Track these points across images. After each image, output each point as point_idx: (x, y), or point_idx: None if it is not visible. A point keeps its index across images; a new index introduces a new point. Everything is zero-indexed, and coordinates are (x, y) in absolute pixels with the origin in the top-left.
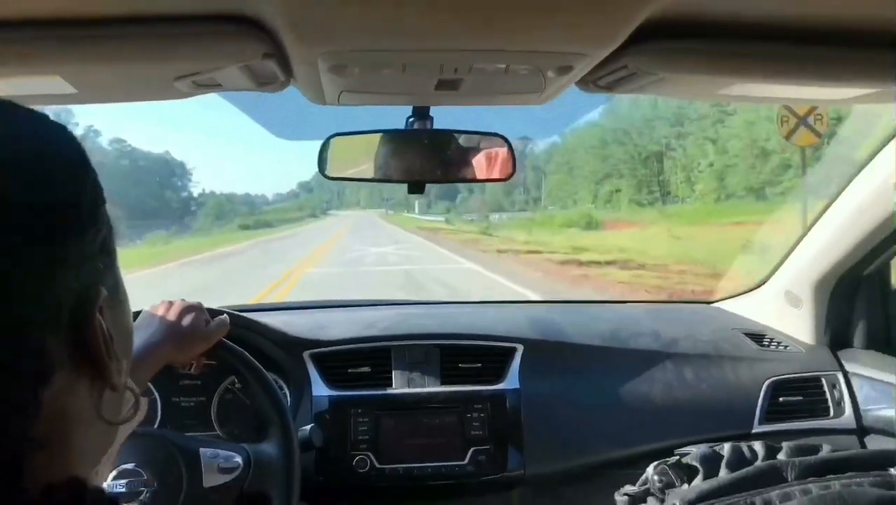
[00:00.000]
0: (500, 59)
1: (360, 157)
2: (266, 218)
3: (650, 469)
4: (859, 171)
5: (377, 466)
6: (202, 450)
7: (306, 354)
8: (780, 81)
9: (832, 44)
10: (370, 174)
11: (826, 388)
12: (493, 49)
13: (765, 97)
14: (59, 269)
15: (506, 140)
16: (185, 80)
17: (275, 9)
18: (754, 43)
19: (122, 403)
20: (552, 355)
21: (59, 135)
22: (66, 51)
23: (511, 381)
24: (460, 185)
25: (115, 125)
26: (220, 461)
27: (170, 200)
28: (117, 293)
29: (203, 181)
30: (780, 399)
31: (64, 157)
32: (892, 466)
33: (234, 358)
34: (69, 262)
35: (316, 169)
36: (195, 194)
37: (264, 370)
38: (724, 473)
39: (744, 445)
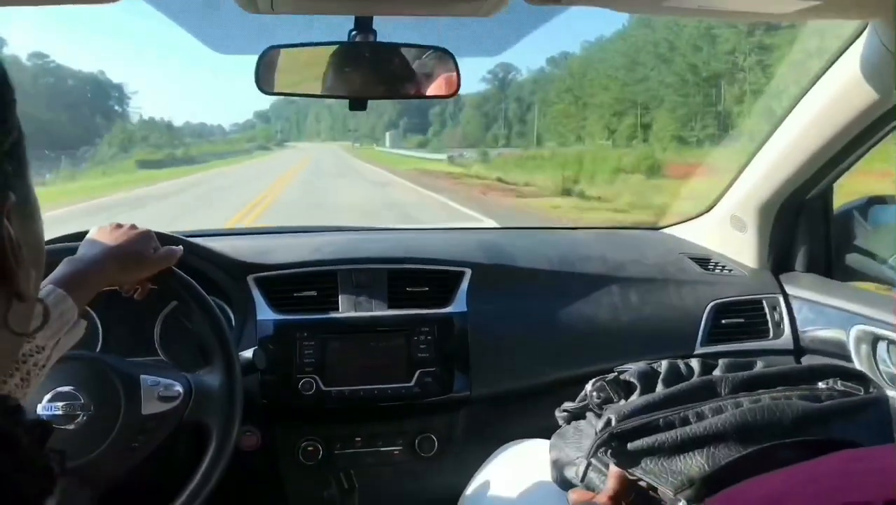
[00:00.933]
0: None
1: (301, 71)
2: (191, 151)
3: (588, 385)
4: (804, 94)
5: (323, 388)
6: (143, 377)
7: (250, 278)
8: None
9: None
10: (310, 89)
11: (767, 310)
12: None
13: (708, 10)
14: None
15: (451, 55)
16: None
17: None
18: None
19: (31, 314)
20: (500, 279)
21: None
22: None
23: (458, 304)
24: (430, 118)
25: (33, 39)
26: (160, 389)
27: (100, 128)
28: (27, 203)
29: (147, 108)
30: (723, 321)
31: None
32: (821, 381)
33: (178, 284)
34: None
35: (274, 100)
36: (134, 121)
37: (208, 298)
38: (660, 389)
39: (680, 363)
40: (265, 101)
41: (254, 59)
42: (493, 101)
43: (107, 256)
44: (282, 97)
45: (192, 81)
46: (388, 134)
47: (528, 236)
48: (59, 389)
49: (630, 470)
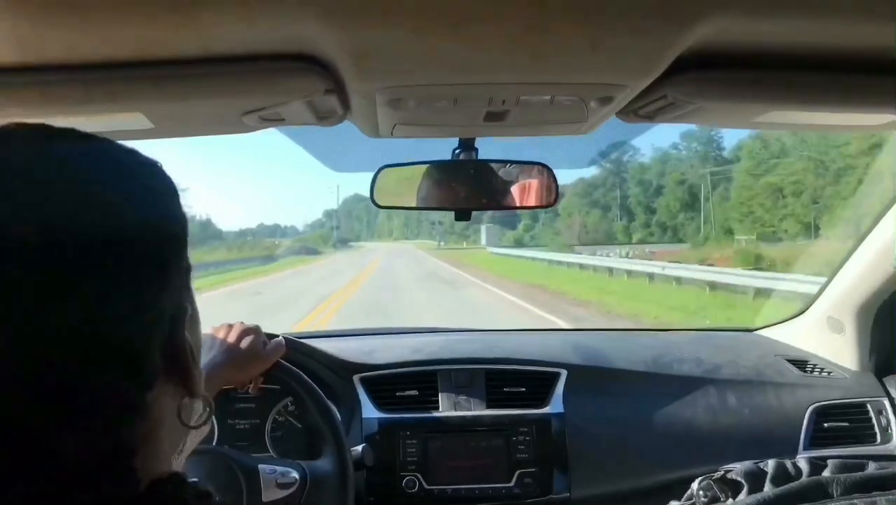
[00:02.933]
0: (545, 91)
1: (409, 187)
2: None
3: (695, 484)
4: None
5: (426, 486)
6: (261, 466)
7: (356, 378)
8: (812, 108)
9: (863, 71)
10: (420, 203)
11: (872, 413)
12: (539, 82)
13: (798, 124)
14: (165, 290)
15: (549, 168)
16: (252, 115)
17: (337, 47)
18: (787, 72)
19: (195, 410)
20: (595, 380)
21: (156, 168)
22: (148, 89)
23: (555, 405)
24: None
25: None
26: (277, 477)
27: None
28: (195, 311)
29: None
30: (825, 425)
31: (164, 188)
32: None
33: (290, 378)
34: (171, 284)
35: (343, 196)
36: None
37: (317, 389)
38: (768, 488)
39: (788, 462)
40: (334, 200)
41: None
42: (606, 187)
43: (225, 355)
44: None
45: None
46: (483, 228)
47: (620, 338)
48: (188, 480)
49: None
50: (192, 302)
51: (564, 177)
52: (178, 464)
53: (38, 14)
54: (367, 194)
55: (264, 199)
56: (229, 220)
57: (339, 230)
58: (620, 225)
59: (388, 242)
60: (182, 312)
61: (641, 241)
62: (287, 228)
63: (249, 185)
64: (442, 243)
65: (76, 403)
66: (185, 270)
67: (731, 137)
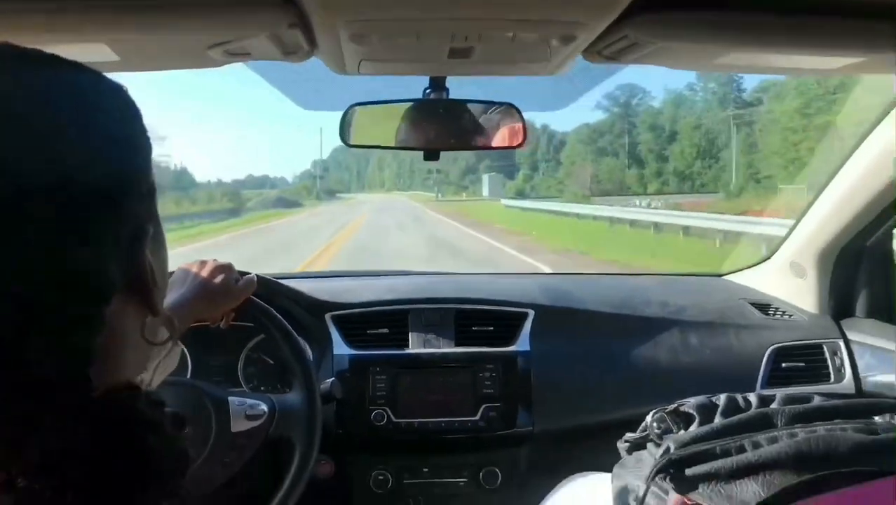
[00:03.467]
0: (506, 27)
1: (379, 126)
2: None
3: (649, 417)
4: (861, 141)
5: (394, 419)
6: (231, 398)
7: (328, 316)
8: (774, 50)
9: (825, 13)
10: (389, 142)
11: (827, 354)
12: (500, 18)
13: (759, 66)
14: (124, 212)
15: (517, 109)
16: (217, 48)
17: None
18: (749, 13)
19: (159, 327)
20: (562, 320)
21: (123, 92)
22: (113, 19)
23: (522, 343)
24: (517, 159)
25: None
26: (246, 409)
27: None
28: (158, 232)
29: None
30: (783, 365)
31: (131, 112)
32: (878, 415)
33: (260, 314)
34: (131, 205)
35: (332, 147)
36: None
37: (287, 324)
38: (718, 420)
39: (738, 396)
40: (324, 150)
41: (333, 115)
42: (613, 134)
43: (197, 290)
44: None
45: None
46: (485, 178)
47: (589, 281)
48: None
49: (688, 495)
50: (157, 224)
51: (564, 122)
52: (158, 373)
53: None
54: None
55: (253, 151)
56: (217, 172)
57: (327, 181)
58: (634, 174)
59: (380, 194)
60: (143, 233)
61: (659, 192)
62: (276, 180)
63: (238, 137)
64: (440, 195)
65: (35, 315)
66: (147, 193)
67: (753, 77)
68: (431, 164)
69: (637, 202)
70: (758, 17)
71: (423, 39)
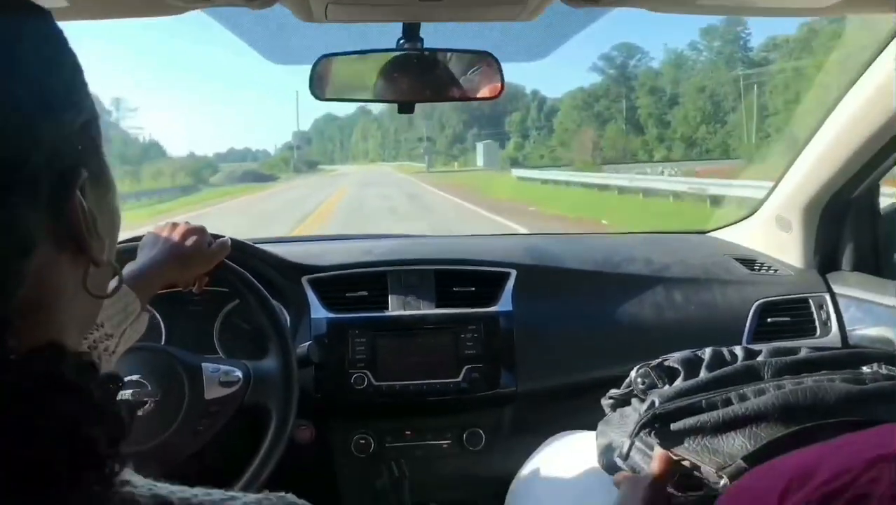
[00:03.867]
0: None
1: (352, 79)
2: None
3: (633, 372)
4: (844, 94)
5: (374, 383)
6: (204, 364)
7: (304, 279)
8: None
9: None
10: (361, 94)
11: (813, 308)
12: None
13: (741, 7)
14: (40, 143)
15: (494, 58)
16: None
17: None
18: None
19: (107, 279)
20: (545, 280)
21: (37, 16)
22: None
23: (504, 303)
24: (506, 125)
25: None
26: (220, 375)
27: None
28: (101, 176)
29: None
30: (769, 320)
31: (45, 32)
32: (865, 365)
33: (234, 277)
34: (43, 140)
35: (314, 118)
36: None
37: (262, 289)
38: (703, 374)
39: (724, 350)
40: (306, 122)
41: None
42: (610, 98)
43: (167, 253)
44: (330, 109)
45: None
46: (480, 146)
47: (572, 241)
48: (128, 377)
49: (673, 450)
50: (98, 164)
51: (555, 88)
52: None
53: None
54: (339, 114)
55: (236, 124)
56: (194, 145)
57: (308, 151)
58: (637, 140)
59: (364, 165)
60: (73, 174)
61: (666, 159)
62: (258, 152)
63: (219, 110)
64: (430, 166)
65: None
66: (79, 127)
67: (760, 33)
68: (420, 133)
69: (648, 170)
70: None
71: None
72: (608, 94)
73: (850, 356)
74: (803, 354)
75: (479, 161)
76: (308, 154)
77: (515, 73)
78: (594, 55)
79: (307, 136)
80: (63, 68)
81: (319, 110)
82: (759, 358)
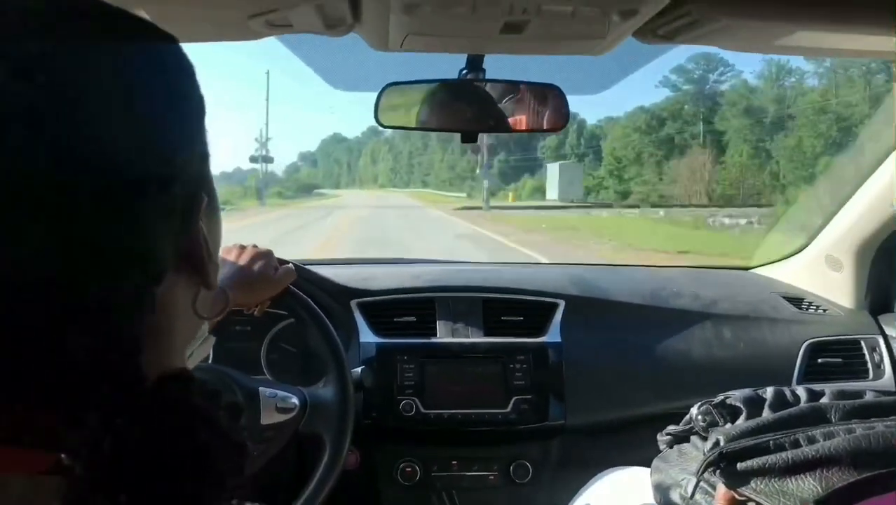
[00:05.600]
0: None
1: (415, 107)
2: None
3: (694, 409)
4: None
5: (422, 410)
6: (261, 389)
7: (354, 303)
8: (844, 30)
9: None
10: (424, 123)
11: (865, 350)
12: None
13: (825, 48)
14: (179, 176)
15: (559, 90)
16: (258, 18)
17: None
18: None
19: (210, 301)
20: (593, 311)
21: (176, 43)
22: None
23: (553, 334)
24: (538, 153)
25: None
26: (278, 401)
27: None
28: (212, 199)
29: None
30: (819, 360)
31: (183, 66)
32: None
33: (298, 304)
34: (181, 169)
35: (321, 137)
36: None
37: (325, 318)
38: (767, 414)
39: (787, 390)
40: (311, 142)
41: (366, 95)
42: (684, 119)
43: (234, 276)
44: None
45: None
46: (553, 168)
47: (618, 273)
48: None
49: (739, 490)
50: (210, 190)
51: (607, 108)
52: (192, 361)
53: None
54: (348, 135)
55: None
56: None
57: (305, 174)
58: (761, 171)
59: (372, 191)
60: (197, 202)
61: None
62: (247, 172)
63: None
64: (487, 203)
65: (75, 303)
66: (200, 158)
67: None
68: (433, 157)
69: None
70: None
71: (479, 10)
72: (681, 115)
73: None
74: (870, 397)
75: (552, 191)
76: (305, 177)
77: None
78: (666, 69)
79: (314, 156)
80: (194, 96)
81: (326, 131)
82: (824, 400)
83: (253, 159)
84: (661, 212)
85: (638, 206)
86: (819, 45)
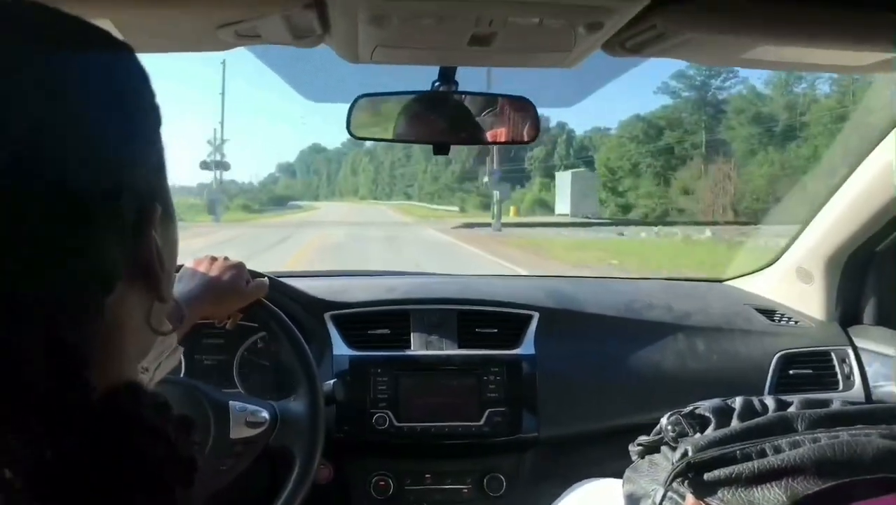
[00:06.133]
0: (534, 11)
1: (388, 119)
2: None
3: (664, 420)
4: (872, 146)
5: (396, 423)
6: (231, 403)
7: (327, 316)
8: (806, 44)
9: (860, 5)
10: (396, 134)
11: (836, 362)
12: (529, 1)
13: (786, 62)
14: (130, 186)
15: (530, 103)
16: (227, 28)
17: None
18: (784, 3)
19: (167, 315)
20: (567, 324)
21: (130, 50)
22: None
23: (527, 347)
24: (526, 163)
25: None
26: (248, 415)
27: None
28: (168, 210)
29: None
30: (790, 372)
31: (133, 73)
32: None
33: (269, 317)
34: (135, 178)
35: (299, 149)
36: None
37: (297, 331)
38: (735, 423)
39: (755, 400)
40: (290, 154)
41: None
42: (684, 128)
43: (203, 288)
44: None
45: None
46: (566, 177)
47: (592, 285)
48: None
49: (706, 500)
50: (165, 200)
51: (604, 118)
52: (160, 372)
53: None
54: (325, 145)
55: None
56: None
57: (281, 185)
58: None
59: (353, 203)
60: (150, 212)
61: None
62: (244, 185)
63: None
64: (498, 218)
65: (23, 312)
66: (153, 168)
67: None
68: (415, 168)
69: None
70: (791, 7)
71: (446, 23)
72: (681, 124)
73: (885, 411)
74: (836, 406)
75: (562, 204)
76: (281, 188)
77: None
78: (665, 75)
79: (292, 167)
80: (147, 105)
81: (306, 140)
82: (792, 409)
83: (204, 165)
84: (708, 231)
85: (676, 224)
86: (782, 60)
